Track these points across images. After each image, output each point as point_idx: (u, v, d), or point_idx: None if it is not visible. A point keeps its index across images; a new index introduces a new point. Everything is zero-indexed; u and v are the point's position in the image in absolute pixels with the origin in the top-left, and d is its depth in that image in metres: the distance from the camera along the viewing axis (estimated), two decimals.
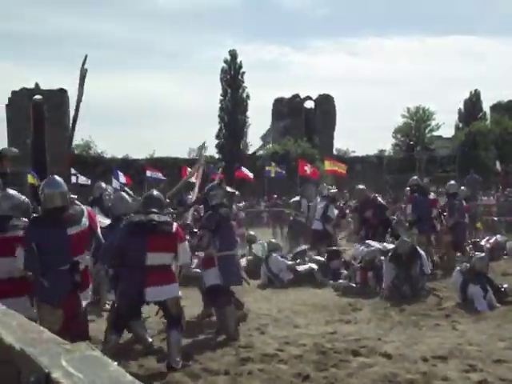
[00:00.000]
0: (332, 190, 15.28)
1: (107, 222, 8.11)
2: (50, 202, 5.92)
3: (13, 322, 2.03)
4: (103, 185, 10.88)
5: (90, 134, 43.59)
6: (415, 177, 14.90)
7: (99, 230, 6.37)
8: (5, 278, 6.00)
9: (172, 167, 32.90)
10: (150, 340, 7.36)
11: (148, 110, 76.13)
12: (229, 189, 10.00)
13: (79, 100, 7.63)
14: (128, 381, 1.40)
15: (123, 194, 8.23)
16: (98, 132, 78.02)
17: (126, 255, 6.45)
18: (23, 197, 6.48)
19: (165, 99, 78.99)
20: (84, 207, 6.37)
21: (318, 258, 12.64)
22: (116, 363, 1.49)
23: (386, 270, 10.36)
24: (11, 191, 6.45)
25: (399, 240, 10.77)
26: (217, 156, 42.77)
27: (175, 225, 6.78)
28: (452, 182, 14.72)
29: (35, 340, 1.72)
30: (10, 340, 1.77)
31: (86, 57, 8.06)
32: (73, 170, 27.10)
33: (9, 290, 5.89)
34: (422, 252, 10.66)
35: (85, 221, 6.02)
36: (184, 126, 74.81)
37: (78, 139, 37.93)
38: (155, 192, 7.09)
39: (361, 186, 14.27)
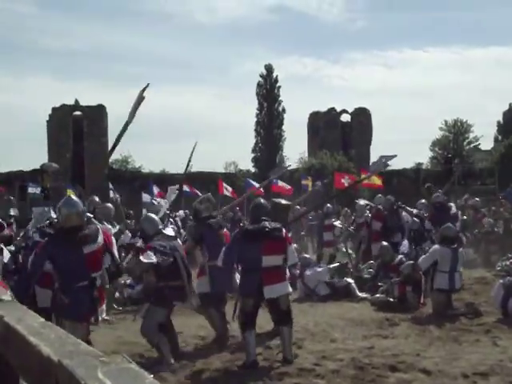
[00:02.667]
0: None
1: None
2: (67, 222, 6.24)
3: (51, 334, 2.05)
4: (96, 199, 11.52)
5: (128, 148, 43.97)
6: (438, 194, 14.74)
7: (115, 249, 6.71)
8: None
9: (209, 181, 33.00)
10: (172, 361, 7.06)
11: (185, 125, 76.69)
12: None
13: (128, 122, 7.88)
14: None
15: (150, 215, 8.32)
16: (136, 147, 78.67)
17: (243, 259, 7.15)
18: None
19: (202, 113, 79.50)
20: (100, 226, 6.91)
21: None
22: (152, 376, 1.49)
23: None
24: None
25: None
26: (253, 170, 42.84)
27: (284, 230, 7.32)
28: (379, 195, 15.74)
29: (72, 352, 1.73)
30: (48, 352, 1.80)
31: (147, 85, 8.55)
32: (110, 185, 27.41)
33: None
34: None
35: (100, 239, 6.34)
36: (220, 140, 75.13)
37: (116, 154, 38.32)
38: (262, 201, 7.61)
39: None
